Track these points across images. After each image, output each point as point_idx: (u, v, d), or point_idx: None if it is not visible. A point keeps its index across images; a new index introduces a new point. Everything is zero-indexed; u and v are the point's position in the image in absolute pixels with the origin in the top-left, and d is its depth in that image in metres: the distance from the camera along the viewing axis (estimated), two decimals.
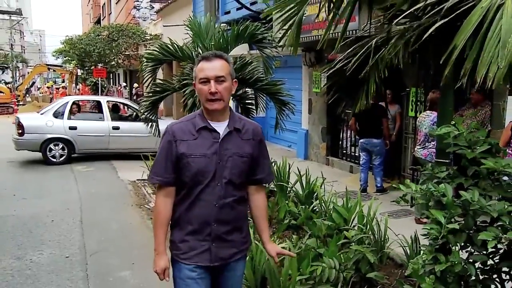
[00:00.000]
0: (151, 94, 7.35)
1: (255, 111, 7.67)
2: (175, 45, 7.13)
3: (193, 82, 2.43)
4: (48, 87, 37.31)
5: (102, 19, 41.73)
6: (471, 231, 2.54)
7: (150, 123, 7.59)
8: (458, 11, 2.64)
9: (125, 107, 13.30)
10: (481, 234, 2.31)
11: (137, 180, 8.99)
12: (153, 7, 27.51)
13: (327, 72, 4.48)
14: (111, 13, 38.31)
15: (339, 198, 5.67)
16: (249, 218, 2.65)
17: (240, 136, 2.43)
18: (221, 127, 2.40)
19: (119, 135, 11.28)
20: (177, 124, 2.46)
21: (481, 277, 2.60)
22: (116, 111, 12.66)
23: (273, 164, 7.16)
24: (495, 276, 2.67)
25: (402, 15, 3.24)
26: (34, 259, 5.15)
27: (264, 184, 2.69)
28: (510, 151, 5.21)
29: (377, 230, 4.70)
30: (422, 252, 2.93)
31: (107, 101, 12.22)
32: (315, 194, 6.14)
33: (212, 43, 6.83)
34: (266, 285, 3.88)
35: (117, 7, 34.81)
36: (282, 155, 7.80)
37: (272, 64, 7.56)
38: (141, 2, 28.30)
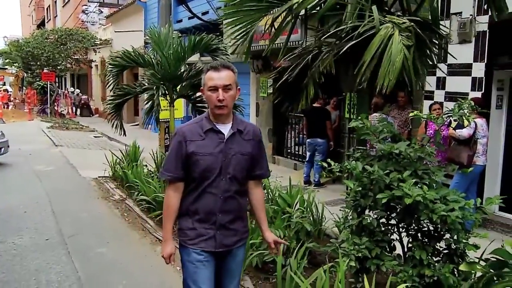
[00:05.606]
0: (114, 97, 7.98)
1: None
2: (137, 52, 7.79)
3: (201, 88, 2.69)
4: None
5: (47, 22, 40.96)
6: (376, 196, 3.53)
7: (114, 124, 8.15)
8: (365, 35, 3.66)
9: None
10: (378, 195, 3.30)
11: (99, 177, 9.40)
12: (102, 12, 27.55)
13: (273, 78, 5.35)
14: (56, 16, 37.76)
15: (283, 189, 6.59)
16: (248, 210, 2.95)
17: (242, 137, 2.71)
18: (225, 129, 2.67)
19: None
20: (186, 126, 2.73)
21: (383, 228, 3.60)
22: None
23: None
24: (395, 229, 3.68)
25: (327, 35, 4.25)
26: (16, 242, 5.71)
27: (262, 179, 2.98)
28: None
29: (315, 211, 5.67)
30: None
31: None
32: (263, 184, 7.06)
33: (171, 52, 7.43)
34: None
35: (63, 10, 34.43)
36: None
37: None
38: (90, 6, 28.29)
